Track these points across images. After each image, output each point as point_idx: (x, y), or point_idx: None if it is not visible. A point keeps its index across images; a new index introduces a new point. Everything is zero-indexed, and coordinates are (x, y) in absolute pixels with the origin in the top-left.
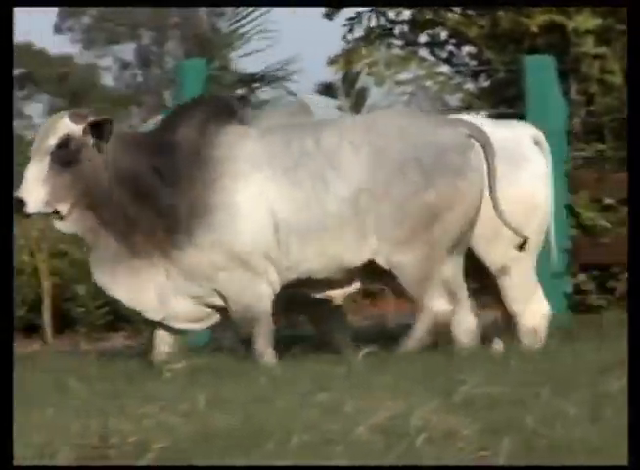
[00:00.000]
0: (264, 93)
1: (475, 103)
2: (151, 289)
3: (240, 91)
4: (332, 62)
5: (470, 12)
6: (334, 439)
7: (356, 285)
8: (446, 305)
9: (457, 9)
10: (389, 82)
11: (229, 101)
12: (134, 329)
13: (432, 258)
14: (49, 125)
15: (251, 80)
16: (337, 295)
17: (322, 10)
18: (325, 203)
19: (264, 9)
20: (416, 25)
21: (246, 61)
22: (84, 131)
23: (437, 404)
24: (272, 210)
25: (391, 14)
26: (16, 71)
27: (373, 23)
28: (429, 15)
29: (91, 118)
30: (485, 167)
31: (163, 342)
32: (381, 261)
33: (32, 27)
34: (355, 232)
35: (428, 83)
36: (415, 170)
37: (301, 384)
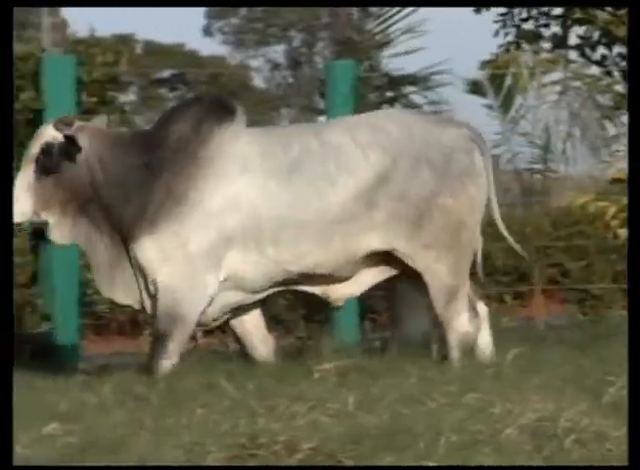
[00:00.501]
0: (414, 94)
1: (624, 104)
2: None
3: (389, 93)
4: (482, 61)
5: (619, 11)
6: (482, 439)
7: (360, 288)
8: (470, 322)
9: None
10: (537, 82)
11: (227, 101)
12: (285, 330)
13: (463, 268)
14: (36, 134)
15: (400, 82)
16: (337, 297)
17: (471, 8)
18: (329, 198)
19: (410, 9)
20: (565, 24)
21: (395, 62)
22: (66, 137)
23: (587, 406)
24: (249, 214)
25: (540, 11)
26: (167, 73)
27: (521, 21)
28: (578, 14)
29: (75, 124)
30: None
31: (248, 335)
32: (409, 261)
33: (182, 29)
34: (363, 227)
35: (577, 84)
36: (426, 169)
37: (450, 385)
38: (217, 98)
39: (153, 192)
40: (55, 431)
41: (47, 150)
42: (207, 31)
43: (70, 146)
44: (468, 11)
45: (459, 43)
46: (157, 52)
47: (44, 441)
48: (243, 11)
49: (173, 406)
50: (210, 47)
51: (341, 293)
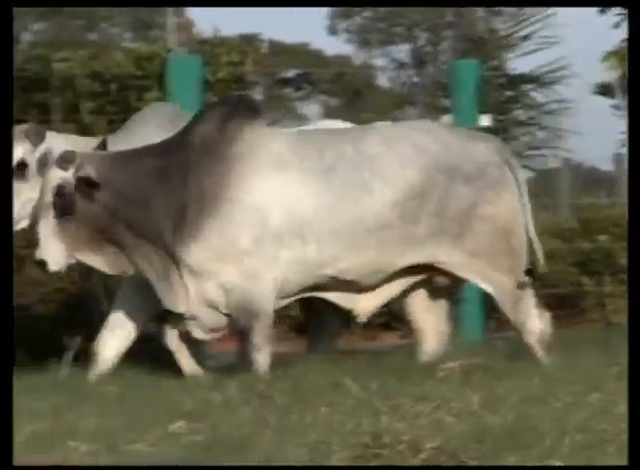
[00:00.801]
0: (538, 94)
1: None
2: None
3: (510, 93)
4: (605, 59)
5: None
6: (607, 439)
7: (382, 300)
8: (540, 320)
9: None
10: None
11: (254, 101)
12: (408, 329)
13: (519, 270)
14: (44, 180)
15: (523, 81)
16: (362, 311)
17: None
18: (365, 205)
19: (550, 10)
20: None
21: (517, 62)
22: (73, 176)
23: None
24: (292, 210)
25: None
26: (292, 73)
27: None
28: None
29: (77, 159)
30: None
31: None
32: (459, 272)
33: (307, 29)
34: (399, 237)
35: None
36: (462, 183)
37: (575, 384)
38: (243, 97)
39: (183, 195)
40: (180, 429)
41: (60, 192)
42: (332, 31)
43: (82, 184)
44: (592, 11)
45: (585, 42)
46: (282, 52)
47: (170, 439)
48: (367, 11)
49: (298, 405)
50: (335, 46)
51: (365, 305)
